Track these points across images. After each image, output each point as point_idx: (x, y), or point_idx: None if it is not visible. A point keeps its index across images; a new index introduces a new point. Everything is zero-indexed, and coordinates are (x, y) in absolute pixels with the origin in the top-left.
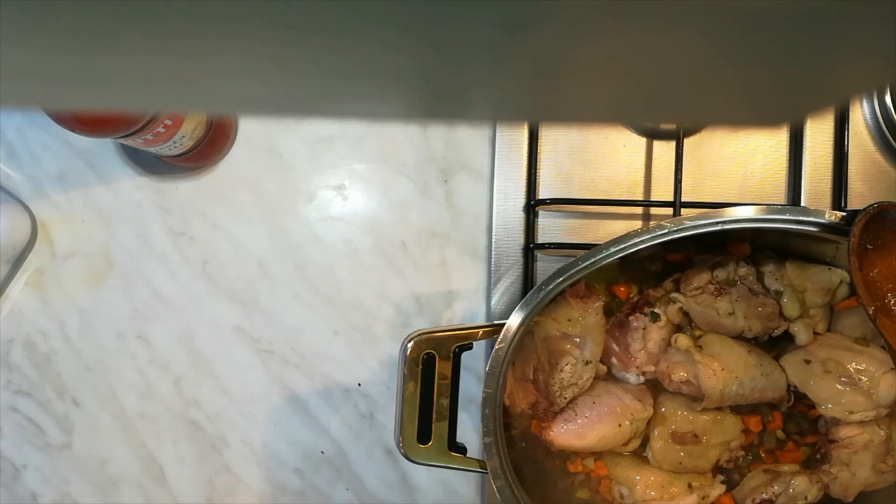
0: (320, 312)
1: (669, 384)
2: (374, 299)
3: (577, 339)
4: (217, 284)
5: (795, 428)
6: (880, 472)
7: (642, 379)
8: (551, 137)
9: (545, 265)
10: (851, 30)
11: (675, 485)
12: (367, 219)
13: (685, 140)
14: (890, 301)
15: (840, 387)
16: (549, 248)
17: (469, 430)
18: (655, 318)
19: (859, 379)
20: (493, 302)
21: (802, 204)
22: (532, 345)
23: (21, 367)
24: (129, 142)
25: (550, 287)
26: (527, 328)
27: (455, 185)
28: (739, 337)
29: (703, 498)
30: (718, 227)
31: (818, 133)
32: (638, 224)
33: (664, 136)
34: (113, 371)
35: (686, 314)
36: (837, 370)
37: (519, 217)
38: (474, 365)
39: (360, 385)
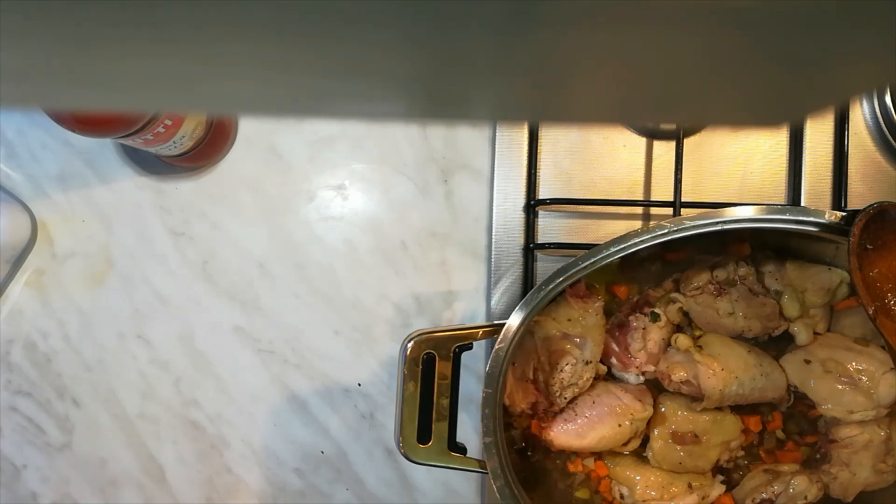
0: (320, 312)
1: (669, 384)
2: (374, 299)
3: (577, 339)
4: (217, 284)
5: (795, 428)
6: (880, 472)
7: (642, 379)
8: (551, 137)
9: (545, 265)
10: (851, 30)
11: (675, 485)
12: (367, 219)
13: (685, 140)
14: (890, 301)
15: (840, 387)
16: (549, 248)
17: (469, 430)
18: (655, 318)
19: (859, 379)
20: (493, 302)
21: (802, 204)
22: (532, 345)
23: (21, 367)
24: (129, 142)
25: (550, 287)
26: (527, 328)
27: (455, 185)
28: (739, 337)
29: (703, 498)
30: (718, 227)
31: (818, 133)
32: (638, 224)
33: (664, 136)
34: (113, 371)
35: (686, 314)
36: (837, 370)
37: (519, 217)
38: (474, 365)
39: (360, 385)
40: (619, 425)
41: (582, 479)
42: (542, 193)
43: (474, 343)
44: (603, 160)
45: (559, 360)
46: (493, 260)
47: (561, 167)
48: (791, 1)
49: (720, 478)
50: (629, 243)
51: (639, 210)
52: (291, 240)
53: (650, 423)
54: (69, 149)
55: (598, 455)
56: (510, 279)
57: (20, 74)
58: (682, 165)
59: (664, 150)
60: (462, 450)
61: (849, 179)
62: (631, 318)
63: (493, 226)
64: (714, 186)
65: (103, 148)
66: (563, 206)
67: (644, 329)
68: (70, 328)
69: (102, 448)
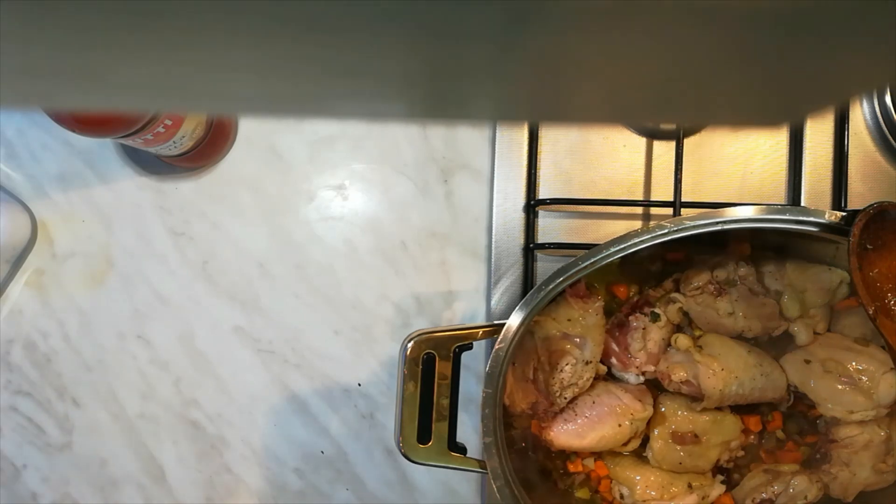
0: (320, 312)
1: (669, 384)
2: (374, 299)
3: (577, 339)
4: (217, 284)
5: (795, 428)
6: (880, 472)
7: (642, 379)
8: (551, 137)
9: (545, 265)
10: (851, 30)
11: (675, 485)
12: (367, 219)
13: (685, 140)
14: (890, 301)
15: (840, 387)
16: (549, 248)
17: (469, 430)
18: (655, 318)
19: (859, 379)
20: (493, 302)
21: (802, 204)
22: (532, 345)
23: (21, 367)
24: (129, 142)
25: (550, 287)
26: (527, 328)
27: (455, 185)
28: (739, 337)
29: (703, 498)
30: (718, 227)
31: (818, 133)
32: (638, 224)
33: (664, 136)
34: (113, 371)
35: (686, 314)
36: (837, 370)
37: (519, 217)
38: (474, 365)
39: (360, 385)
40: (619, 425)
41: (582, 479)
42: (542, 193)
43: (474, 343)
44: (603, 160)
45: (559, 360)
46: (493, 260)
47: (561, 167)
48: (791, 1)
49: (720, 478)
50: (629, 243)
51: (639, 210)
52: (291, 240)
53: (650, 423)
54: (69, 149)
55: (598, 455)
56: (510, 279)
57: (21, 74)
58: (682, 165)
59: (664, 150)
60: (462, 450)
61: (849, 179)
62: (631, 318)
63: (493, 226)
64: (714, 186)
65: (103, 148)
66: (563, 206)
67: (644, 329)
68: (70, 328)
69: (102, 448)
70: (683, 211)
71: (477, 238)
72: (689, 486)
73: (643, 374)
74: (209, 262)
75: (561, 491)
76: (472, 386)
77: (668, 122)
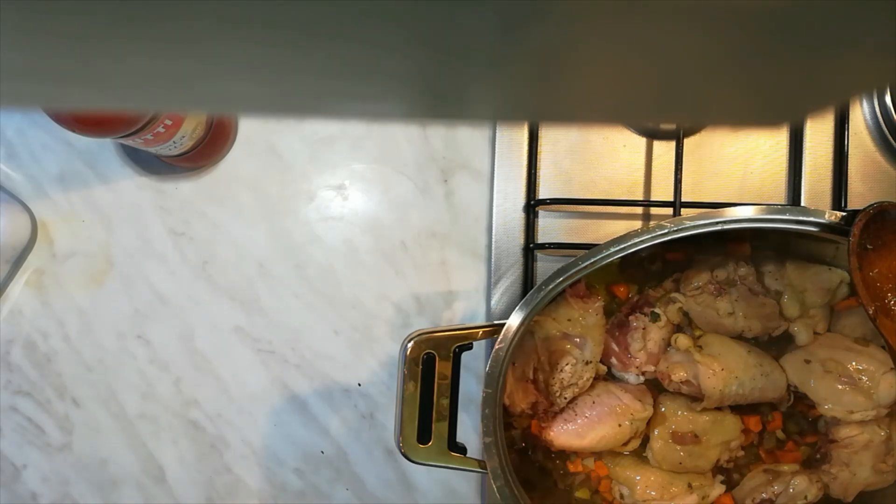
0: (320, 312)
1: (669, 384)
2: (374, 299)
3: (577, 339)
4: (217, 284)
5: (795, 428)
6: (880, 472)
7: (642, 379)
8: (551, 137)
9: (545, 265)
10: (851, 30)
11: (675, 485)
12: (367, 219)
13: (685, 140)
14: (890, 301)
15: (840, 387)
16: (549, 248)
17: (469, 430)
18: (655, 318)
19: (859, 379)
20: (493, 302)
21: (802, 204)
22: (532, 345)
23: (21, 367)
24: (129, 142)
25: (550, 287)
26: (527, 328)
27: (455, 185)
28: (739, 337)
29: (703, 498)
30: (718, 227)
31: (818, 133)
32: (638, 224)
33: (664, 136)
34: (113, 371)
35: (686, 314)
36: (837, 370)
37: (519, 217)
38: (474, 365)
39: (360, 385)
40: (619, 425)
41: (582, 479)
42: (542, 193)
43: (474, 343)
44: (603, 160)
45: (559, 360)
46: (493, 260)
47: (561, 167)
48: (791, 1)
49: (720, 478)
50: (629, 243)
51: (639, 210)
52: (291, 240)
53: (650, 423)
54: (69, 149)
55: (598, 455)
56: (510, 279)
57: (21, 74)
58: (682, 165)
59: (664, 150)
60: (462, 450)
61: (849, 179)
62: (631, 318)
63: (493, 226)
64: (714, 186)
65: (103, 148)
66: (563, 206)
67: (644, 329)
68: (70, 328)
69: (102, 448)
70: (683, 211)
71: (477, 238)
72: (689, 486)
73: (643, 374)
74: (209, 262)
75: (561, 491)
76: (472, 386)
77: (668, 122)
